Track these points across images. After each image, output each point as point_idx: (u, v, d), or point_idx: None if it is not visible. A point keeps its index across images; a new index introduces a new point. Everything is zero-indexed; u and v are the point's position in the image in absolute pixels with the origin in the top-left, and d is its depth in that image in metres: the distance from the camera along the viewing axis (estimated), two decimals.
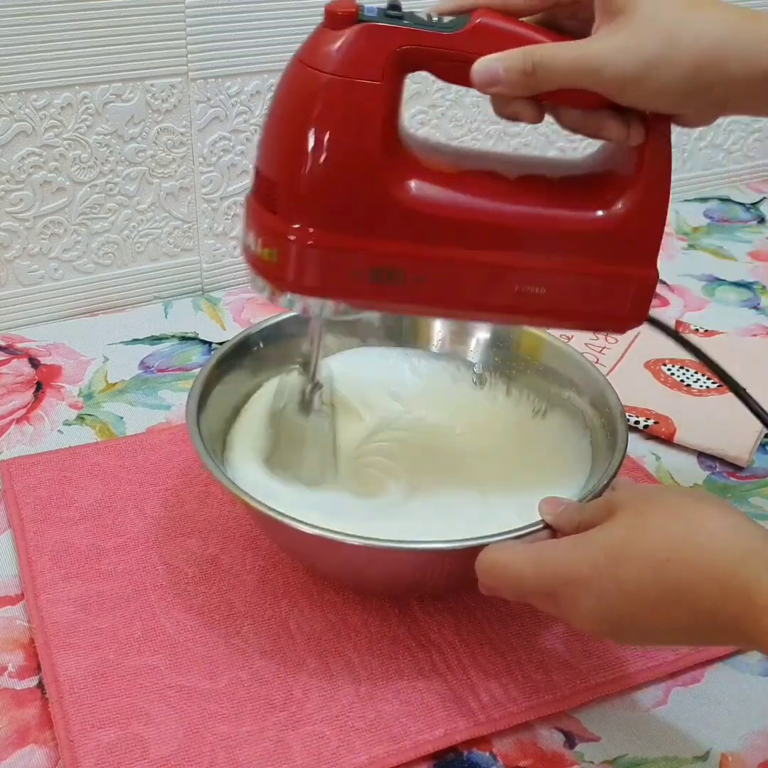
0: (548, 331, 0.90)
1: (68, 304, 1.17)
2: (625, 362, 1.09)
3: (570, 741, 0.70)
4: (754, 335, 1.18)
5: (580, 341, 1.08)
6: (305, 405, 0.80)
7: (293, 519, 0.70)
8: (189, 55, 1.10)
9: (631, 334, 1.13)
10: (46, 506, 0.87)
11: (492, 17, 0.65)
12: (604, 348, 1.10)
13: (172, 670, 0.74)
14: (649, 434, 1.00)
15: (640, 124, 0.67)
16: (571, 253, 0.70)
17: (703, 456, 0.98)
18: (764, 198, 1.52)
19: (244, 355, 0.88)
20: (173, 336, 1.14)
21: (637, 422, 1.00)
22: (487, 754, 0.69)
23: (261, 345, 0.89)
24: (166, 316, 1.18)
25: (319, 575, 0.81)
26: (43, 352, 1.10)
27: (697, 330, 1.16)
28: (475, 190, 0.69)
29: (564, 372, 0.88)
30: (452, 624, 0.77)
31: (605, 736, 0.71)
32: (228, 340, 0.88)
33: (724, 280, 1.30)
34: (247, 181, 1.19)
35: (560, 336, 0.91)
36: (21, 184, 1.09)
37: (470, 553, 0.70)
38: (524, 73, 0.63)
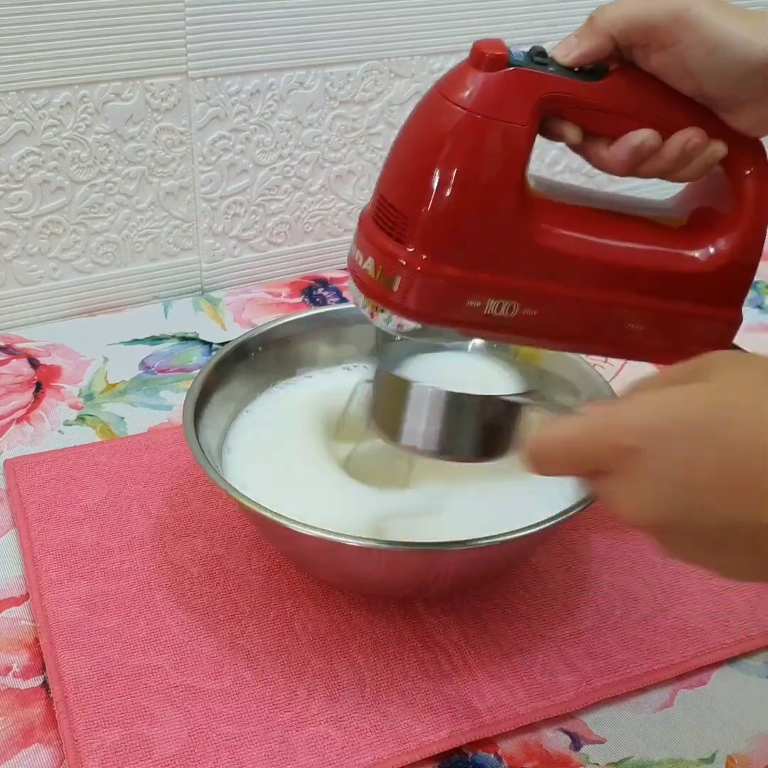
0: None
1: (67, 304, 1.17)
2: (632, 362, 1.08)
3: (576, 743, 0.70)
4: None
5: None
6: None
7: (291, 520, 0.70)
8: (188, 54, 1.10)
9: None
10: (51, 505, 0.87)
11: (628, 69, 0.67)
12: None
13: (176, 670, 0.74)
14: None
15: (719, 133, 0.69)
16: (673, 292, 0.73)
17: None
18: None
19: (245, 358, 0.88)
20: (173, 336, 1.14)
21: None
22: (493, 755, 0.69)
23: (261, 349, 0.89)
24: (166, 317, 1.18)
25: (323, 580, 0.81)
26: (43, 353, 1.09)
27: None
28: (594, 231, 0.71)
29: (562, 375, 0.88)
30: (458, 625, 0.78)
31: (611, 738, 0.71)
32: (229, 342, 0.87)
33: None
34: (247, 180, 1.19)
35: None
36: (20, 183, 1.08)
37: (472, 553, 0.70)
38: (589, 20, 0.66)
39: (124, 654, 0.74)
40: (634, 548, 0.85)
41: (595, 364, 0.90)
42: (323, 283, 1.26)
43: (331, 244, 1.29)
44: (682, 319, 0.74)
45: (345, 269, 1.29)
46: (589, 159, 0.70)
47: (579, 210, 0.73)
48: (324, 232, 1.28)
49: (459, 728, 0.70)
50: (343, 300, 1.22)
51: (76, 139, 1.09)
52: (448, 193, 0.67)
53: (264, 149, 1.19)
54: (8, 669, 0.74)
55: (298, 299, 1.22)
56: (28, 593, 0.79)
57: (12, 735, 0.69)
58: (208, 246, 1.22)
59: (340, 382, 0.90)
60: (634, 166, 0.69)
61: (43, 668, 0.74)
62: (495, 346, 0.83)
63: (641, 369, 1.07)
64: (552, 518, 0.71)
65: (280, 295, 1.23)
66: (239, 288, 1.25)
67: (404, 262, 0.69)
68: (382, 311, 0.72)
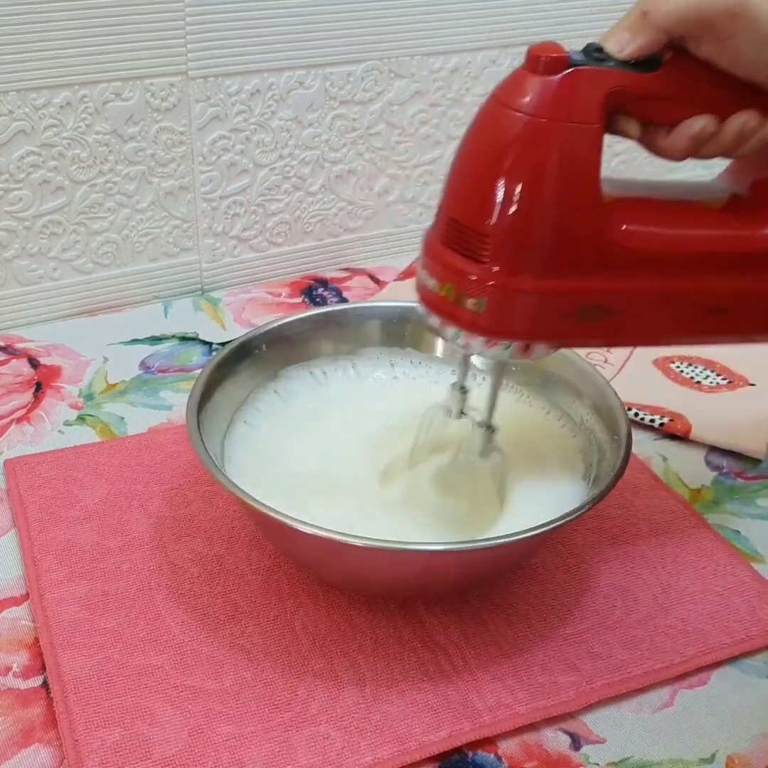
0: None
1: (67, 304, 1.17)
2: (633, 361, 1.09)
3: (575, 743, 0.70)
4: None
5: None
6: (484, 449, 0.79)
7: (295, 520, 0.69)
8: (188, 54, 1.10)
9: None
10: (51, 506, 0.87)
11: (681, 57, 0.66)
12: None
13: (176, 670, 0.73)
14: (661, 434, 1.00)
15: None
16: (756, 269, 0.72)
17: (710, 456, 0.98)
18: None
19: (246, 357, 0.88)
20: (173, 336, 1.14)
21: (652, 421, 1.00)
22: (493, 755, 0.69)
23: (264, 347, 0.89)
24: (166, 316, 1.18)
25: (324, 580, 0.81)
26: (43, 353, 1.09)
27: None
28: (671, 222, 0.71)
29: (563, 374, 0.88)
30: (458, 625, 0.77)
31: (611, 738, 0.71)
32: (230, 342, 0.87)
33: None
34: (247, 180, 1.19)
35: None
36: (20, 183, 1.08)
37: (473, 554, 0.70)
38: (641, 14, 0.65)
39: (124, 654, 0.74)
40: (634, 548, 0.85)
41: (595, 364, 0.90)
42: (323, 283, 1.26)
43: (331, 244, 1.29)
44: (763, 296, 0.73)
45: (345, 269, 1.30)
46: (650, 148, 0.69)
47: (650, 203, 0.72)
48: (324, 232, 1.28)
49: (459, 728, 0.70)
50: (343, 300, 1.22)
51: (76, 139, 1.09)
52: (524, 205, 0.65)
53: (264, 149, 1.19)
54: (8, 669, 0.74)
55: (298, 299, 1.22)
56: (28, 593, 0.79)
57: (12, 735, 0.69)
58: (208, 246, 1.22)
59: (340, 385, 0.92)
60: (694, 152, 0.68)
61: (43, 668, 0.74)
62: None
63: (642, 368, 1.08)
64: (553, 520, 0.71)
65: (280, 295, 1.23)
66: (239, 288, 1.25)
67: (491, 283, 0.67)
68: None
